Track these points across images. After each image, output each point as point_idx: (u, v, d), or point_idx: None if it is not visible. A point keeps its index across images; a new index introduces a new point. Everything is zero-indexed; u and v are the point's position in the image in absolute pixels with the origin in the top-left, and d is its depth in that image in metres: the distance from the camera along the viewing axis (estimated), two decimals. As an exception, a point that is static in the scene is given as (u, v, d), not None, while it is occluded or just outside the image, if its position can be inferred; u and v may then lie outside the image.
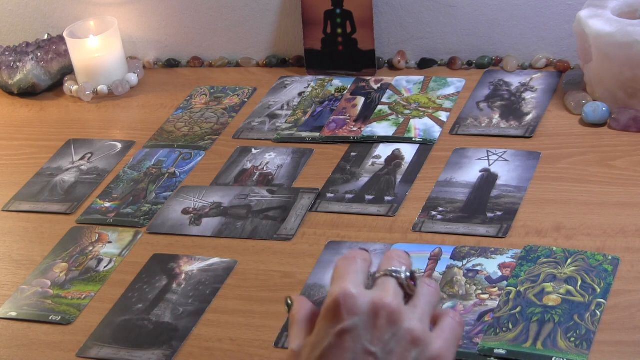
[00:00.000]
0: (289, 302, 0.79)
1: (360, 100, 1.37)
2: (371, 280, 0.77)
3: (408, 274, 0.76)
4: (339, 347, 0.73)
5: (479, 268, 1.02)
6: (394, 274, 0.76)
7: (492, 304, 0.97)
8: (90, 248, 1.16)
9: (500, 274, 1.01)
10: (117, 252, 1.15)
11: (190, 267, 1.10)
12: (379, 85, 1.40)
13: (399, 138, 1.27)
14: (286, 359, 0.77)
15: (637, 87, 1.21)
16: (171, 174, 1.27)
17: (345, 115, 1.34)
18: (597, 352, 0.90)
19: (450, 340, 0.75)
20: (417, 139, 1.26)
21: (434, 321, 0.76)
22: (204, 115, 1.40)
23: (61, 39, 1.53)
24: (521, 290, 0.98)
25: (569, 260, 1.01)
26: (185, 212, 1.19)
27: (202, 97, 1.45)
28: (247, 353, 0.97)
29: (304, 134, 1.31)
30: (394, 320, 0.73)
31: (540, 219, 1.08)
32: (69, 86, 1.51)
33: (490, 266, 1.02)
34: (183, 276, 1.09)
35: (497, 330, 0.94)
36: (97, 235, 1.18)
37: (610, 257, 1.01)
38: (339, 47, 1.44)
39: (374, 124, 1.31)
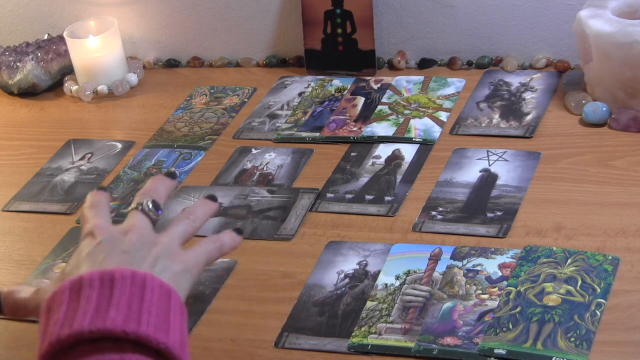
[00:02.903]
0: None
1: (360, 100, 1.37)
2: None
3: (150, 205, 0.92)
4: (98, 251, 0.86)
5: (479, 268, 1.02)
6: (139, 207, 0.92)
7: (492, 304, 0.97)
8: (90, 248, 1.16)
9: (500, 274, 1.01)
10: (117, 252, 1.15)
11: (190, 267, 1.10)
12: (379, 85, 1.40)
13: (399, 138, 1.27)
14: (33, 301, 0.88)
15: (637, 87, 1.21)
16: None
17: (345, 115, 1.34)
18: (597, 352, 0.90)
19: (200, 254, 0.90)
20: (417, 139, 1.26)
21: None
22: (204, 115, 1.40)
23: (61, 39, 1.53)
24: (521, 290, 0.98)
25: (569, 260, 1.01)
26: (185, 212, 1.19)
27: (202, 97, 1.46)
28: (247, 353, 0.97)
29: (304, 134, 1.31)
30: (142, 234, 0.88)
31: (540, 219, 1.08)
32: (69, 86, 1.51)
33: (490, 266, 1.02)
34: (183, 276, 1.09)
35: (497, 330, 0.94)
36: (97, 235, 1.18)
37: (610, 257, 1.01)
38: (339, 47, 1.44)
39: (374, 124, 1.31)
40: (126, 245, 0.87)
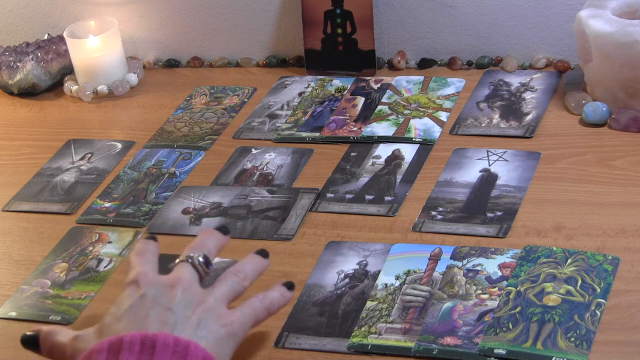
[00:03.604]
0: (28, 337, 0.92)
1: (360, 100, 1.37)
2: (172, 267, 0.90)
3: (201, 259, 0.90)
4: (141, 305, 0.83)
5: (479, 268, 1.02)
6: (188, 260, 0.89)
7: (492, 304, 0.97)
8: (90, 248, 1.16)
9: (500, 274, 1.01)
10: (117, 252, 1.15)
11: (190, 267, 1.10)
12: (379, 85, 1.40)
13: (399, 138, 1.27)
14: (71, 347, 0.86)
15: (637, 87, 1.21)
16: (171, 174, 1.28)
17: (345, 115, 1.34)
18: (597, 352, 0.90)
19: (247, 315, 0.88)
20: (417, 139, 1.26)
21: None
22: (204, 115, 1.40)
23: (61, 39, 1.53)
24: (521, 290, 0.98)
25: (569, 260, 1.01)
26: (185, 212, 1.19)
27: (202, 97, 1.46)
28: (247, 353, 0.97)
29: (304, 134, 1.31)
30: (188, 291, 0.85)
31: (540, 219, 1.08)
32: (69, 86, 1.51)
33: (490, 266, 1.02)
34: (183, 276, 1.09)
35: (497, 330, 0.94)
36: (97, 235, 1.18)
37: (610, 257, 1.01)
38: (339, 47, 1.44)
39: (374, 124, 1.31)
40: (170, 301, 0.84)
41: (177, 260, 0.90)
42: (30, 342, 0.91)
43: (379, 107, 1.35)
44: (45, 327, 0.91)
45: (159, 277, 0.87)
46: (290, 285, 0.94)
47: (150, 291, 0.85)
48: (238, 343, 0.87)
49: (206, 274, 0.90)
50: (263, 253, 0.96)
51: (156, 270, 0.89)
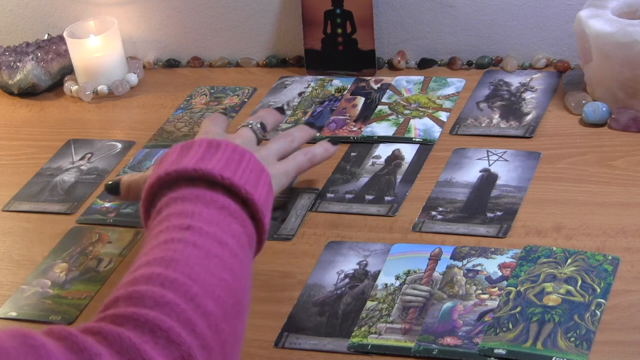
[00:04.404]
0: (111, 185, 1.11)
1: (360, 100, 1.37)
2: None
3: (259, 125, 1.09)
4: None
5: (479, 268, 1.02)
6: (248, 125, 1.08)
7: (492, 304, 0.97)
8: (90, 248, 1.16)
9: (500, 274, 1.01)
10: (117, 252, 1.15)
11: (190, 267, 1.10)
12: (379, 85, 1.40)
13: (399, 138, 1.27)
14: (144, 179, 1.05)
15: (637, 87, 1.21)
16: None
17: (345, 115, 1.34)
18: (597, 352, 0.90)
19: (291, 165, 1.07)
20: (417, 139, 1.26)
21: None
22: (204, 115, 1.40)
23: (61, 39, 1.53)
24: (521, 290, 0.98)
25: (569, 260, 1.01)
26: (185, 212, 1.19)
27: (202, 97, 1.46)
28: (247, 353, 0.97)
29: (304, 134, 1.31)
30: (246, 143, 1.03)
31: (540, 219, 1.08)
32: (69, 86, 1.51)
33: (490, 266, 1.02)
34: (183, 276, 1.09)
35: (497, 330, 0.94)
36: (97, 235, 1.18)
37: (610, 257, 1.01)
38: (339, 47, 1.44)
39: (374, 124, 1.31)
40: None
41: (239, 127, 1.07)
42: (113, 189, 1.10)
43: (379, 107, 1.35)
44: (125, 175, 1.10)
45: (224, 134, 1.04)
46: (335, 141, 1.14)
47: (217, 137, 0.98)
48: (284, 184, 1.05)
49: (263, 137, 1.07)
50: (311, 124, 1.20)
51: (223, 131, 1.06)
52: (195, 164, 0.90)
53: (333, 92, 1.40)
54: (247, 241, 0.89)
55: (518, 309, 0.96)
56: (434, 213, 1.12)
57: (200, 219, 0.86)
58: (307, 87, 1.43)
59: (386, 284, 1.03)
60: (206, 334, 0.76)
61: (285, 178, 1.05)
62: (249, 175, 0.92)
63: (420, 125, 1.29)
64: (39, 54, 1.52)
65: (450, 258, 1.04)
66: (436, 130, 1.28)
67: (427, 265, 1.04)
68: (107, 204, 1.23)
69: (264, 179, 0.94)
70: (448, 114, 1.31)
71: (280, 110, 1.17)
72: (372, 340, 0.96)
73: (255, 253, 0.93)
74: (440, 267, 1.03)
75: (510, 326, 0.94)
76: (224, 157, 0.92)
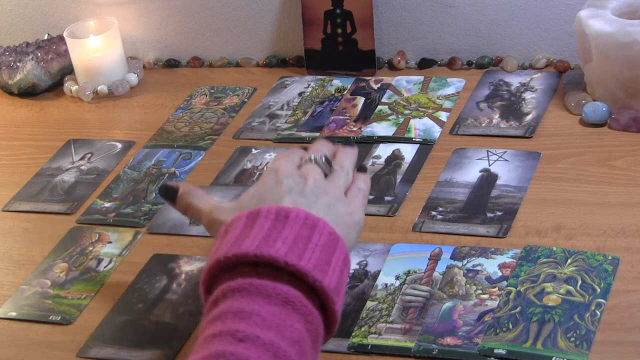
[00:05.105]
0: (168, 189, 1.01)
1: (360, 100, 1.37)
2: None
3: (324, 158, 0.98)
4: (278, 191, 0.92)
5: (479, 268, 1.02)
6: (313, 160, 0.98)
7: (492, 304, 0.97)
8: (90, 248, 1.16)
9: (500, 274, 1.01)
10: (117, 252, 1.15)
11: (191, 267, 1.10)
12: (379, 85, 1.40)
13: (399, 138, 1.27)
14: (207, 214, 0.96)
15: (637, 87, 1.21)
16: (171, 174, 1.28)
17: (345, 115, 1.34)
18: (597, 352, 0.90)
19: (361, 202, 0.96)
20: (417, 139, 1.26)
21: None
22: (204, 115, 1.40)
23: (61, 39, 1.53)
24: (521, 290, 0.98)
25: (569, 260, 1.01)
26: (185, 212, 1.19)
27: (202, 97, 1.46)
28: (247, 353, 0.97)
29: (304, 134, 1.31)
30: (318, 181, 0.94)
31: (540, 219, 1.08)
32: (69, 86, 1.51)
33: (490, 266, 1.02)
34: (183, 276, 1.09)
35: (497, 330, 0.94)
36: (97, 235, 1.18)
37: (610, 257, 1.01)
38: (339, 47, 1.44)
39: (374, 124, 1.31)
40: (303, 189, 0.92)
41: (302, 162, 0.98)
42: (168, 194, 1.01)
43: (379, 107, 1.35)
44: (186, 186, 1.01)
45: (295, 170, 0.96)
46: (364, 169, 1.03)
47: (287, 180, 0.93)
48: (360, 231, 0.95)
49: (329, 171, 0.98)
50: (349, 142, 1.12)
51: (295, 167, 0.97)
52: (257, 248, 0.83)
53: (333, 92, 1.40)
54: (310, 341, 0.82)
55: (518, 309, 0.96)
56: (434, 213, 1.12)
57: (258, 323, 0.79)
58: (307, 87, 1.43)
59: (386, 284, 1.03)
60: None
61: (362, 220, 0.95)
62: (319, 255, 0.85)
63: (420, 125, 1.29)
64: (39, 54, 1.52)
65: (450, 258, 1.04)
66: (436, 130, 1.28)
67: (427, 265, 1.04)
68: (107, 204, 1.23)
69: (338, 253, 0.87)
70: (448, 114, 1.31)
71: (332, 140, 1.06)
72: (372, 340, 0.96)
73: (324, 340, 0.85)
74: (440, 267, 1.03)
75: (510, 326, 0.94)
76: (291, 234, 0.85)
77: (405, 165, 1.22)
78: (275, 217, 0.87)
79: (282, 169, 0.95)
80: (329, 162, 0.99)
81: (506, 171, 1.17)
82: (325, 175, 0.97)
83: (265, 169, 1.00)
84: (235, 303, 0.81)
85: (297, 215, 0.87)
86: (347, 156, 1.02)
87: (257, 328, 0.78)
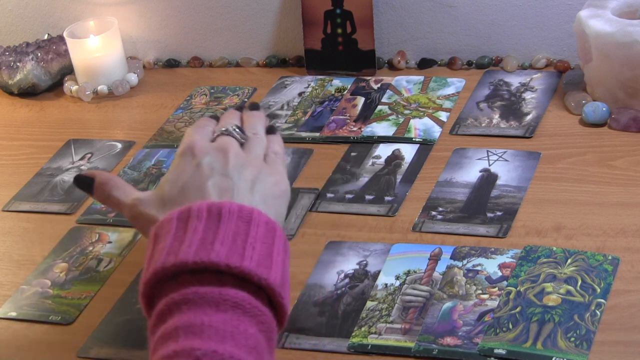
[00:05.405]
0: (83, 179, 0.97)
1: (360, 100, 1.37)
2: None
3: (237, 128, 0.96)
4: (199, 175, 0.89)
5: (479, 268, 1.02)
6: (225, 132, 0.95)
7: (492, 304, 0.97)
8: (90, 248, 1.16)
9: (500, 274, 1.01)
10: (117, 252, 1.15)
11: (190, 267, 1.10)
12: (379, 85, 1.40)
13: (399, 138, 1.27)
14: (129, 208, 0.93)
15: (637, 87, 1.21)
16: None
17: (345, 115, 1.34)
18: (597, 352, 0.90)
19: (283, 168, 0.95)
20: (417, 139, 1.26)
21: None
22: (204, 116, 1.40)
23: (61, 39, 1.53)
24: (521, 290, 0.98)
25: (569, 260, 1.01)
26: (185, 212, 1.19)
27: (202, 97, 1.46)
28: (247, 353, 0.97)
29: (304, 134, 1.31)
30: (237, 155, 0.91)
31: (540, 219, 1.08)
32: (69, 86, 1.51)
33: (490, 266, 1.02)
34: (183, 276, 1.09)
35: (497, 330, 0.94)
36: (97, 235, 1.18)
37: (610, 257, 1.01)
38: (339, 47, 1.44)
39: (374, 124, 1.31)
40: (225, 166, 0.90)
41: (215, 135, 0.96)
42: (84, 184, 0.97)
43: (379, 107, 1.35)
44: (102, 175, 0.97)
45: (211, 145, 0.93)
46: (274, 130, 1.00)
47: (206, 159, 0.90)
48: (289, 199, 0.93)
49: (244, 139, 0.96)
50: (255, 106, 1.03)
51: (209, 140, 0.94)
52: (196, 254, 0.79)
53: (333, 92, 1.40)
54: (266, 342, 0.79)
55: (518, 309, 0.96)
56: (434, 213, 1.12)
57: (212, 336, 0.75)
58: (307, 87, 1.43)
59: (386, 284, 1.03)
60: None
61: (288, 187, 0.94)
62: (260, 250, 0.81)
63: (420, 125, 1.29)
64: (39, 54, 1.52)
65: (450, 258, 1.04)
66: (436, 130, 1.28)
67: (427, 265, 1.04)
68: (107, 204, 1.24)
69: (278, 242, 0.84)
70: (448, 114, 1.31)
71: (239, 109, 1.04)
72: (372, 340, 0.96)
73: (277, 334, 0.83)
74: (440, 267, 1.03)
75: (510, 326, 0.94)
76: (228, 232, 0.81)
77: (405, 165, 1.22)
78: (207, 215, 0.83)
79: (197, 146, 0.92)
80: (242, 130, 0.97)
81: (506, 171, 1.17)
82: (241, 145, 0.95)
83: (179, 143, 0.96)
84: (184, 317, 0.77)
85: (230, 209, 0.83)
86: (258, 120, 1.00)
87: (213, 342, 0.75)
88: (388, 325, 0.97)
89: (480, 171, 1.18)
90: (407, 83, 1.39)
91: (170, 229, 0.83)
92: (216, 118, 1.00)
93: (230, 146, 0.92)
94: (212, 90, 1.47)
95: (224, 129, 0.96)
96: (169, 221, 0.84)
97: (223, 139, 0.94)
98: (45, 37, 1.57)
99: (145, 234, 0.91)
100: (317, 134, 1.31)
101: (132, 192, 0.95)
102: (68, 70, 1.54)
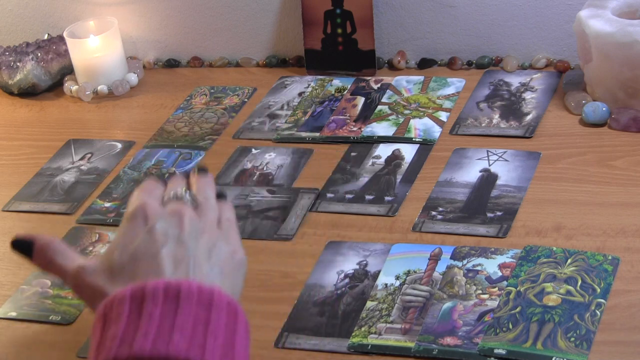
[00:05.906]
0: (21, 242, 0.88)
1: (360, 100, 1.37)
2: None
3: (186, 192, 0.89)
4: (152, 242, 0.81)
5: (479, 268, 1.02)
6: (176, 197, 0.88)
7: (492, 304, 0.97)
8: (90, 248, 1.16)
9: (500, 274, 1.01)
10: (117, 252, 1.15)
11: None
12: (379, 85, 1.40)
13: (399, 138, 1.27)
14: (72, 276, 0.83)
15: (637, 87, 1.21)
16: (171, 174, 1.27)
17: (345, 115, 1.34)
18: (597, 352, 0.90)
19: (237, 236, 0.87)
20: (417, 139, 1.26)
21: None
22: (204, 115, 1.40)
23: (61, 39, 1.53)
24: (521, 290, 0.98)
25: (569, 260, 1.01)
26: (185, 212, 1.19)
27: (202, 97, 1.46)
28: (247, 353, 0.97)
29: (304, 134, 1.31)
30: (192, 220, 0.84)
31: (540, 219, 1.08)
32: (69, 86, 1.51)
33: (490, 266, 1.02)
34: (183, 276, 1.09)
35: (497, 330, 0.94)
36: (97, 235, 1.18)
37: (610, 257, 1.01)
38: (339, 47, 1.44)
39: (374, 124, 1.31)
40: (181, 232, 0.83)
41: (166, 198, 0.88)
42: (22, 248, 0.88)
43: (379, 107, 1.35)
44: (42, 238, 0.87)
45: (163, 209, 0.86)
46: (224, 196, 0.93)
47: (159, 224, 0.83)
48: (246, 270, 0.86)
49: (195, 205, 0.88)
50: (204, 171, 0.94)
51: (160, 204, 0.87)
52: (153, 347, 0.72)
53: (333, 92, 1.40)
54: None
55: (518, 309, 0.96)
56: (434, 213, 1.12)
57: None
58: (307, 87, 1.43)
59: (386, 284, 1.03)
60: None
61: (245, 266, 0.86)
62: (223, 340, 0.75)
63: (420, 125, 1.29)
64: (39, 54, 1.52)
65: (450, 258, 1.04)
66: (436, 130, 1.28)
67: (427, 265, 1.04)
68: (107, 204, 1.23)
69: (240, 329, 0.77)
70: (448, 114, 1.31)
71: (203, 170, 0.95)
72: (372, 340, 0.96)
73: None
74: (440, 267, 1.03)
75: (510, 326, 0.94)
76: (188, 319, 0.74)
77: (405, 165, 1.22)
78: (164, 298, 0.75)
79: (150, 209, 0.84)
80: (192, 195, 0.89)
81: (506, 171, 1.17)
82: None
83: (127, 204, 0.87)
84: None
85: (189, 291, 0.75)
86: (207, 186, 0.92)
87: None
88: (388, 325, 0.97)
89: (480, 171, 1.18)
90: (407, 83, 1.39)
91: (122, 312, 0.75)
92: (163, 181, 0.93)
93: (184, 211, 0.85)
94: (212, 90, 1.47)
95: (174, 192, 0.88)
96: (121, 301, 0.76)
97: (175, 203, 0.87)
98: (45, 37, 1.57)
99: (91, 307, 0.82)
100: (317, 134, 1.31)
101: (75, 258, 0.85)
102: (68, 70, 1.54)
